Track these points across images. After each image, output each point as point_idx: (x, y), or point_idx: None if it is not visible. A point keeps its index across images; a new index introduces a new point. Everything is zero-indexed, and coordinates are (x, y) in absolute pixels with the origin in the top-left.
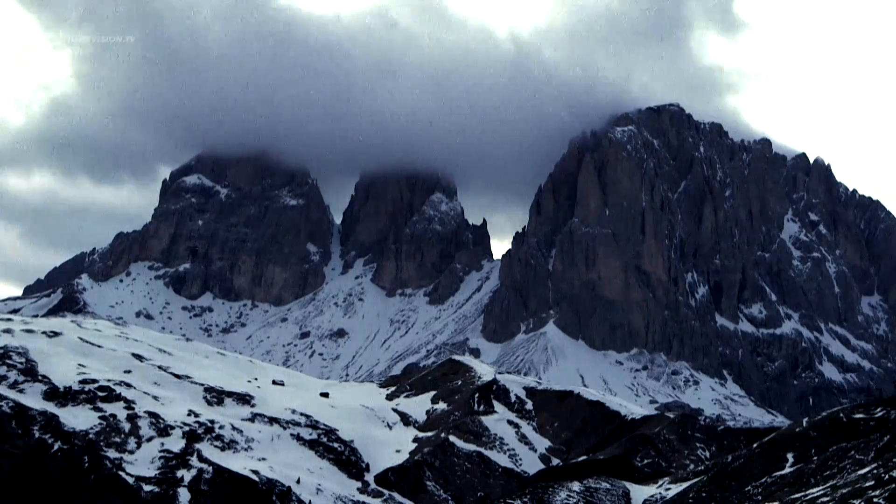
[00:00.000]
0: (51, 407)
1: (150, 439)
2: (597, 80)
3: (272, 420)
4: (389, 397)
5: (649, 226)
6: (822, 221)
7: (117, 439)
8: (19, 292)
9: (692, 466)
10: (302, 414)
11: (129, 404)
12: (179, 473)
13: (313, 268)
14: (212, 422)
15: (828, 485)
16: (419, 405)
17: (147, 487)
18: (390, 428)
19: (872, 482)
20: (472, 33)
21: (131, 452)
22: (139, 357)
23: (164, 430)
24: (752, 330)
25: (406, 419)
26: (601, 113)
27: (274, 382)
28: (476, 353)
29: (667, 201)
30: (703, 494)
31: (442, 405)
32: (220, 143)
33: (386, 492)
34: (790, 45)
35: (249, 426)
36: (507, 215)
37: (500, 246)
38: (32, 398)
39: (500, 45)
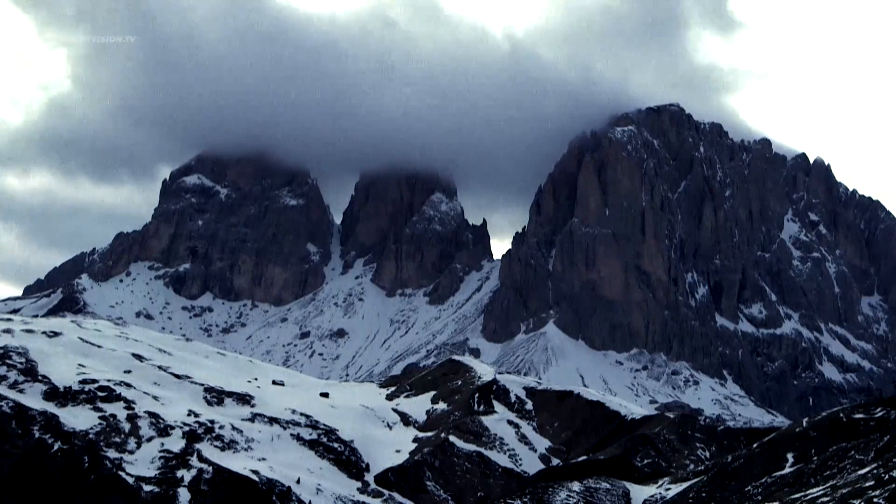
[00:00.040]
0: (51, 407)
1: (150, 439)
2: (594, 79)
3: (272, 420)
4: (389, 397)
5: (649, 226)
6: (822, 221)
7: (117, 439)
8: (19, 292)
9: (692, 466)
10: (302, 414)
11: (129, 404)
12: (179, 473)
13: (313, 268)
14: (212, 422)
15: (828, 485)
16: (419, 405)
17: (147, 487)
18: (390, 428)
19: (872, 482)
20: (468, 33)
21: (131, 452)
22: (139, 357)
23: (164, 430)
24: (752, 330)
25: (406, 419)
26: (599, 112)
27: (274, 382)
28: (476, 353)
29: (667, 201)
30: (703, 494)
31: (442, 405)
32: (220, 143)
33: (386, 492)
34: (787, 44)
35: (249, 426)
36: (507, 215)
37: (500, 246)
38: (32, 398)
39: (496, 44)
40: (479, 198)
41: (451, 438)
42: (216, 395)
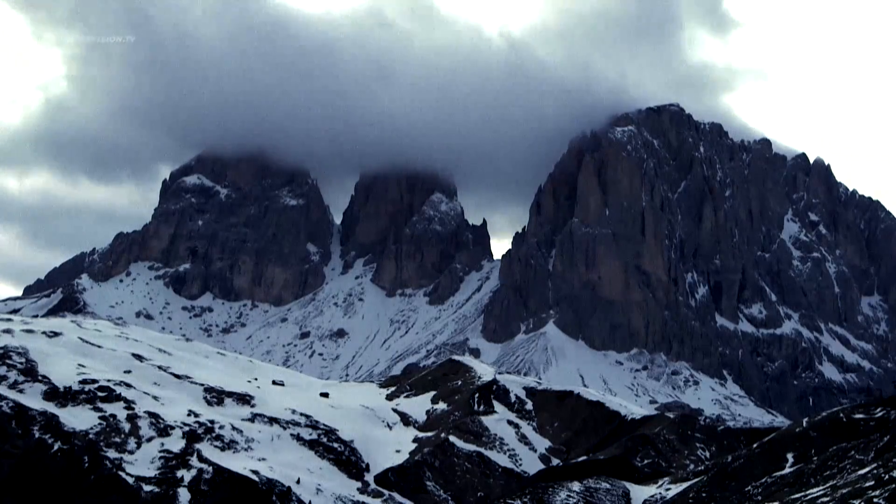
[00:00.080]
0: (51, 407)
1: (150, 439)
2: (592, 79)
3: (272, 420)
4: (389, 397)
5: (649, 226)
6: (822, 221)
7: (117, 439)
8: (19, 292)
9: (692, 466)
10: (302, 414)
11: (129, 404)
12: (179, 473)
13: (313, 268)
14: (212, 422)
15: (828, 485)
16: (419, 405)
17: (147, 487)
18: (390, 428)
19: (872, 482)
20: (463, 32)
21: (131, 452)
22: (139, 357)
23: (164, 430)
24: (752, 330)
25: (406, 419)
26: (597, 112)
27: (274, 382)
28: (476, 353)
29: (667, 201)
30: (703, 494)
31: (442, 405)
32: (220, 143)
33: (386, 492)
34: (785, 43)
35: (249, 426)
36: (507, 215)
37: (500, 246)
38: (32, 398)
39: (493, 44)
40: (479, 198)
41: (451, 438)
42: (216, 395)
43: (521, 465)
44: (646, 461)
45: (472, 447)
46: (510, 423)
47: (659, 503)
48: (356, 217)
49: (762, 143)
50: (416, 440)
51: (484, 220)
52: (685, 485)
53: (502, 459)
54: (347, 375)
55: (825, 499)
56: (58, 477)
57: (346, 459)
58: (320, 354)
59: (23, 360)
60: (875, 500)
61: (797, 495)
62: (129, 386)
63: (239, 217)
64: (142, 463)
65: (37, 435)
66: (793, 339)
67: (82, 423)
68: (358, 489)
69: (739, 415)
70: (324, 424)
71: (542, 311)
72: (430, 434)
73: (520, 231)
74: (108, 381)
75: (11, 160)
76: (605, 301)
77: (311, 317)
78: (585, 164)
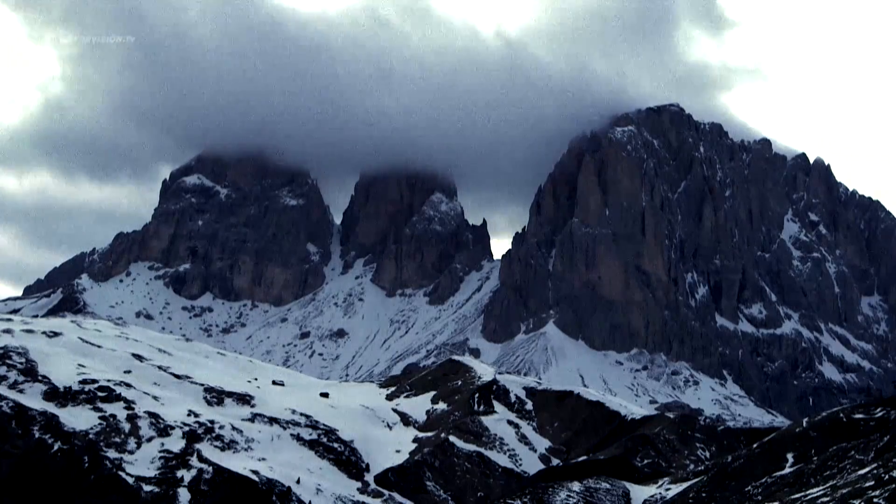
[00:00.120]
0: (51, 407)
1: (150, 439)
2: (590, 79)
3: (272, 420)
4: (389, 397)
5: (649, 226)
6: (822, 221)
7: (117, 439)
8: (19, 292)
9: (692, 466)
10: (302, 414)
11: (129, 404)
12: (179, 473)
13: (313, 268)
14: (212, 422)
15: (828, 485)
16: (419, 405)
17: (147, 487)
18: (390, 428)
19: (872, 482)
20: (459, 32)
21: (131, 452)
22: (139, 357)
23: (164, 430)
24: (752, 330)
25: (406, 419)
26: (597, 112)
27: (274, 382)
28: (476, 353)
29: (667, 201)
30: (703, 494)
31: (442, 405)
32: (220, 143)
33: (386, 492)
34: (782, 42)
35: (249, 426)
36: (507, 215)
37: (500, 246)
38: (32, 398)
39: (490, 44)
40: (479, 198)
41: (451, 438)
42: (216, 396)
43: (521, 465)
44: (646, 461)
45: (472, 447)
46: (510, 423)
47: (659, 503)
48: (356, 217)
49: (762, 143)
50: (416, 440)
51: (484, 220)
52: (685, 485)
53: (502, 459)
54: (347, 375)
55: (825, 499)
56: (58, 477)
57: (346, 459)
58: (320, 354)
59: (23, 360)
60: (875, 500)
61: (797, 495)
62: (129, 386)
63: (239, 217)
64: (142, 463)
65: (37, 435)
66: (793, 340)
67: (82, 423)
68: (358, 489)
69: (739, 415)
70: (324, 424)
71: (542, 312)
72: (430, 434)
73: (520, 231)
74: (108, 381)
75: (11, 160)
76: (605, 301)
77: (311, 317)
78: (585, 164)
